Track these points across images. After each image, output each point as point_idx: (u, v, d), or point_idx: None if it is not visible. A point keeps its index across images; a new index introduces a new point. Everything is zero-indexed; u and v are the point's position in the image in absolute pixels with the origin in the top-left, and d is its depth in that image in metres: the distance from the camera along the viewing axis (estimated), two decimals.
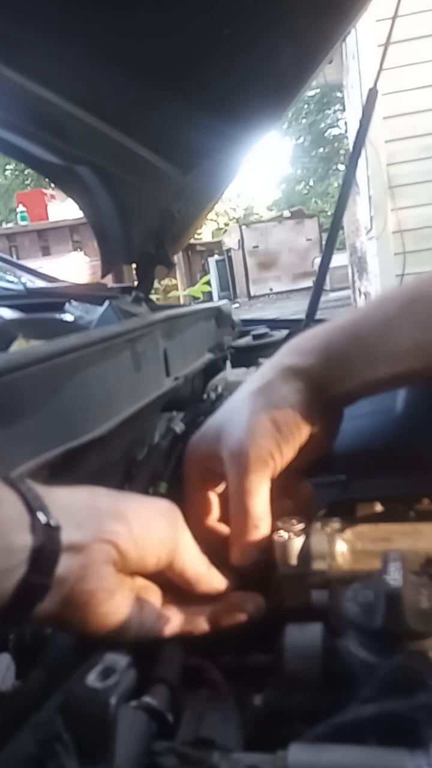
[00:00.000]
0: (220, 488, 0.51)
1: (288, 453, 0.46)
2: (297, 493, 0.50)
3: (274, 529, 0.45)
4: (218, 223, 19.28)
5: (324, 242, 1.69)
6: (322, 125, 21.31)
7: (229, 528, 0.47)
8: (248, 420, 0.47)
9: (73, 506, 0.37)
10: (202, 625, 0.41)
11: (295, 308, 7.21)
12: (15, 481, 0.35)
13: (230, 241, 14.03)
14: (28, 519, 0.33)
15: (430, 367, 0.45)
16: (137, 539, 0.38)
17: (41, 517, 0.34)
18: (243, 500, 0.46)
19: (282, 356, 0.50)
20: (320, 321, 1.30)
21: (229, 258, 13.62)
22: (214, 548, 0.45)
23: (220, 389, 1.01)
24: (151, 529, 0.39)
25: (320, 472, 0.51)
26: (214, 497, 0.51)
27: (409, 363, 0.45)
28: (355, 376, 0.47)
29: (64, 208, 7.52)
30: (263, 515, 0.45)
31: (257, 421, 0.47)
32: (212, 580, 0.43)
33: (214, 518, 0.51)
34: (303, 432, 0.47)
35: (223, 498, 0.51)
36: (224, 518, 0.51)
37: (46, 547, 0.34)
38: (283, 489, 0.48)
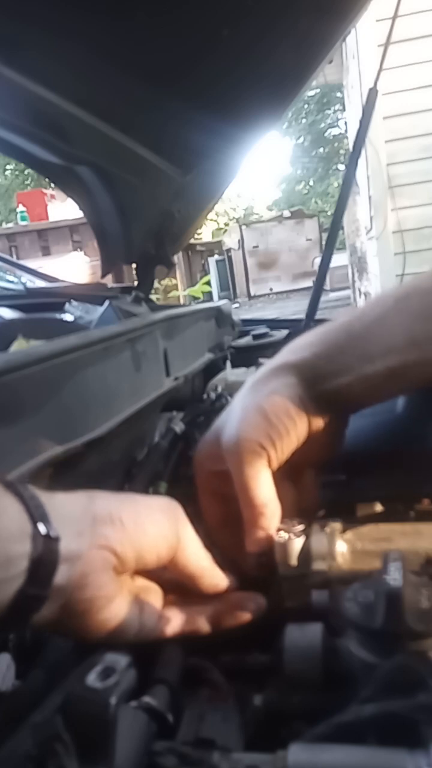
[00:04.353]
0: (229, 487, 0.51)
1: (283, 446, 0.47)
2: (301, 485, 0.50)
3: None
4: (218, 223, 19.25)
5: (324, 242, 1.69)
6: (322, 125, 21.29)
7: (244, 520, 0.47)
8: (239, 415, 0.48)
9: (73, 513, 0.37)
10: (203, 625, 0.41)
11: (295, 308, 7.20)
12: (19, 488, 0.35)
13: (230, 241, 14.02)
14: (29, 529, 0.33)
15: (425, 359, 0.45)
16: (133, 540, 0.38)
17: (41, 528, 0.34)
18: (244, 491, 0.46)
19: (278, 355, 0.51)
20: (320, 321, 1.31)
21: (229, 258, 13.60)
22: (227, 549, 0.46)
23: (220, 389, 1.01)
24: (147, 527, 0.39)
25: (320, 472, 0.52)
26: (224, 498, 0.51)
27: (404, 356, 0.46)
28: (350, 369, 0.47)
29: (64, 208, 7.51)
30: (267, 501, 0.46)
31: (246, 414, 0.47)
32: (215, 575, 0.43)
33: (225, 519, 0.51)
34: (298, 426, 0.47)
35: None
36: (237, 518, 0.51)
37: (45, 558, 0.34)
38: (289, 483, 0.49)
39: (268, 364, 0.51)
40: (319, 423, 0.48)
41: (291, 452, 0.47)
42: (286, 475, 0.48)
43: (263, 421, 0.46)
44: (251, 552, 0.46)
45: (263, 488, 0.46)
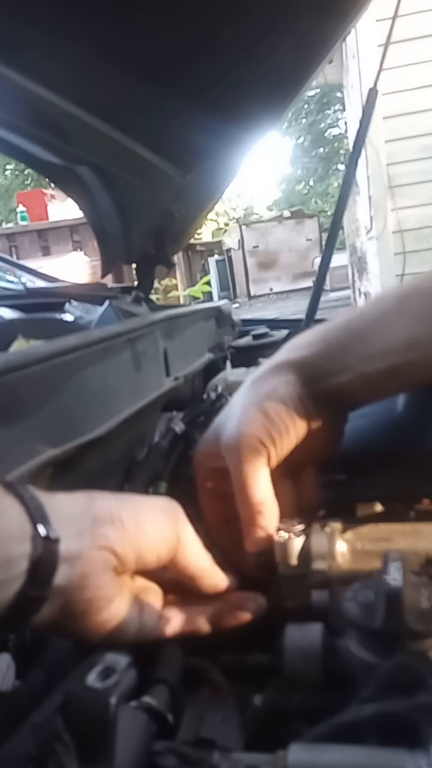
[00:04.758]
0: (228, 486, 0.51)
1: (283, 444, 0.47)
2: (301, 483, 0.50)
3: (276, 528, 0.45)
4: (218, 223, 19.25)
5: (324, 242, 1.69)
6: (322, 125, 21.30)
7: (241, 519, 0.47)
8: (239, 412, 0.48)
9: (73, 514, 0.37)
10: (203, 625, 0.41)
11: (295, 308, 7.20)
12: (19, 488, 0.35)
13: (230, 241, 14.02)
14: (29, 531, 0.33)
15: (425, 360, 0.45)
16: (133, 540, 0.38)
17: (41, 530, 0.34)
18: (242, 489, 0.46)
19: (278, 354, 0.51)
20: (320, 321, 1.30)
21: (229, 258, 13.60)
22: (227, 548, 0.46)
23: (220, 389, 1.01)
24: (147, 527, 0.39)
25: (320, 472, 0.51)
26: (224, 497, 0.51)
27: (405, 356, 0.46)
28: (350, 368, 0.47)
29: (64, 208, 7.51)
30: (264, 500, 0.46)
31: (246, 412, 0.47)
32: (215, 575, 0.43)
33: (225, 518, 0.51)
34: (298, 424, 0.47)
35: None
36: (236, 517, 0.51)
37: (45, 559, 0.34)
38: (289, 482, 0.49)
39: (268, 362, 0.51)
40: (318, 421, 0.48)
41: (290, 450, 0.47)
42: (285, 474, 0.48)
43: (263, 418, 0.47)
44: (250, 552, 0.46)
45: (261, 487, 0.46)
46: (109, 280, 1.59)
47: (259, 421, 0.47)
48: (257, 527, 0.46)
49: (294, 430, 0.47)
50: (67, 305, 1.13)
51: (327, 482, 0.52)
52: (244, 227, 14.27)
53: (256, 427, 0.46)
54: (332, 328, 0.49)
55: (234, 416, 0.48)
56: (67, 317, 1.08)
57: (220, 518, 0.51)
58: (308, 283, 9.50)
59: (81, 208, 1.11)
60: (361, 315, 0.49)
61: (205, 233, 15.48)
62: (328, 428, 0.49)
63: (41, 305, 1.18)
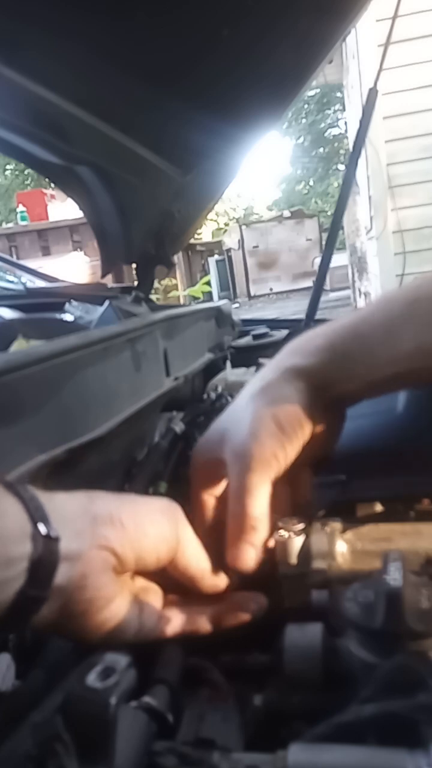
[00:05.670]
0: (224, 492, 0.51)
1: (291, 453, 0.46)
2: (297, 484, 0.49)
3: (275, 529, 0.45)
4: (218, 223, 19.25)
5: (324, 242, 1.69)
6: (322, 125, 21.30)
7: (227, 529, 0.46)
8: (251, 421, 0.46)
9: (72, 513, 0.37)
10: (204, 625, 0.41)
11: (295, 308, 7.20)
12: (19, 488, 0.35)
13: (230, 241, 14.02)
14: (29, 530, 0.33)
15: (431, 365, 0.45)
16: (133, 540, 0.38)
17: (42, 529, 0.34)
18: (242, 499, 0.45)
19: (283, 357, 0.50)
20: (320, 321, 1.31)
21: (229, 258, 13.60)
22: (219, 552, 0.45)
23: (220, 389, 1.01)
24: (147, 528, 0.39)
25: (320, 472, 0.51)
26: (218, 501, 0.51)
27: (412, 363, 0.45)
28: (357, 376, 0.47)
29: (64, 208, 7.51)
30: (262, 516, 0.45)
31: (260, 421, 0.46)
32: (215, 576, 0.43)
33: (218, 522, 0.50)
34: (306, 431, 0.46)
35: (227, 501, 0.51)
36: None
37: (45, 559, 0.34)
38: (284, 483, 0.48)
39: (274, 365, 0.50)
40: (321, 426, 0.47)
41: (294, 458, 0.47)
42: (281, 477, 0.48)
43: (278, 429, 0.46)
44: (231, 566, 0.44)
45: (261, 501, 0.45)
46: (109, 280, 1.59)
47: (274, 431, 0.46)
48: (246, 543, 0.44)
49: (302, 439, 0.46)
50: (67, 305, 1.13)
51: (327, 482, 0.52)
52: (244, 227, 14.27)
53: (270, 437, 0.45)
54: (339, 334, 0.48)
55: (245, 423, 0.47)
56: (67, 317, 1.08)
57: (211, 523, 0.50)
58: (308, 283, 9.50)
59: (81, 208, 1.11)
60: (368, 318, 0.48)
61: (205, 233, 15.48)
62: (327, 431, 0.48)
63: (41, 305, 1.18)
